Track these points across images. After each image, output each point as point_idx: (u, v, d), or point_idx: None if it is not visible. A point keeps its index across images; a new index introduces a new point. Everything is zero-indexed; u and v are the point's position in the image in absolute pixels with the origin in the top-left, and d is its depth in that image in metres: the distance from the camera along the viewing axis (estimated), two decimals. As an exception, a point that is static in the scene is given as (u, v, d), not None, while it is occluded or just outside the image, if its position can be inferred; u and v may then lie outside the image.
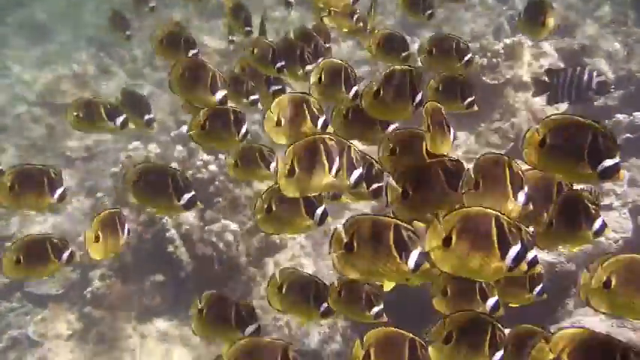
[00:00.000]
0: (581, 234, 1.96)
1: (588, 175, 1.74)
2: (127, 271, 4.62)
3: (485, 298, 1.99)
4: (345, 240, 1.76)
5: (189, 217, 4.48)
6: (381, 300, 2.14)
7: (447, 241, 1.69)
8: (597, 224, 1.95)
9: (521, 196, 1.81)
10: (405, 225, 1.76)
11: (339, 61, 2.24)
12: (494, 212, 1.69)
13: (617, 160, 1.71)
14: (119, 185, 4.90)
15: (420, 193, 1.96)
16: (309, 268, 4.38)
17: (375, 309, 2.14)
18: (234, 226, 4.48)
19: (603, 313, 1.78)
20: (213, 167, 4.63)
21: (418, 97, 2.13)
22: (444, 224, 1.70)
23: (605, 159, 1.71)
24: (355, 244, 1.75)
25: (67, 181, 5.64)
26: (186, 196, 2.19)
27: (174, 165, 4.68)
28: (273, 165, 2.41)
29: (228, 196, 4.60)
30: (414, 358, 1.75)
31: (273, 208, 2.09)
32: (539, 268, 1.92)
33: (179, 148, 4.75)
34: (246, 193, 4.64)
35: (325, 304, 2.20)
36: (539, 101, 5.19)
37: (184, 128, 4.79)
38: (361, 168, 2.05)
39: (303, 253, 4.46)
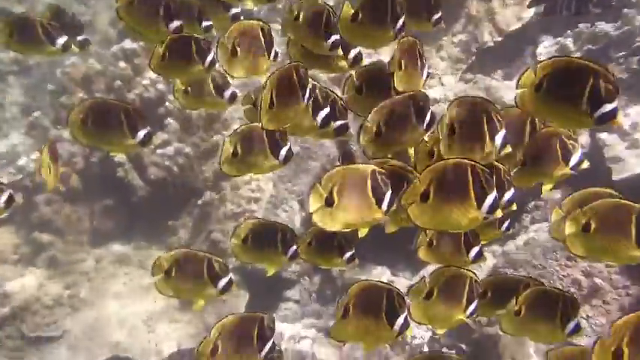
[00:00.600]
0: (559, 169, 1.95)
1: (585, 121, 1.66)
2: (75, 195, 4.41)
3: (469, 247, 1.99)
4: (325, 195, 1.71)
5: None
6: (352, 245, 2.13)
7: (424, 196, 1.68)
8: (575, 158, 1.95)
9: (499, 139, 1.78)
10: (379, 170, 1.74)
11: (322, 4, 2.04)
12: (469, 162, 1.68)
13: (615, 104, 1.62)
14: (56, 103, 4.55)
15: (392, 130, 1.91)
16: (267, 191, 4.30)
17: (347, 254, 2.13)
18: (187, 149, 4.28)
19: (579, 256, 1.79)
20: (161, 86, 4.32)
21: (399, 23, 1.97)
22: (421, 179, 1.69)
23: (603, 104, 1.61)
24: (335, 198, 1.71)
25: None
26: (142, 133, 2.03)
27: (118, 83, 4.36)
28: (226, 94, 2.30)
29: (179, 117, 4.35)
30: (393, 309, 1.78)
31: (239, 152, 2.00)
32: (514, 207, 1.91)
33: (122, 64, 4.38)
34: (198, 112, 4.39)
35: (293, 248, 2.15)
36: (501, 11, 5.02)
37: (127, 42, 4.39)
38: (328, 107, 1.98)
39: (262, 176, 4.33)
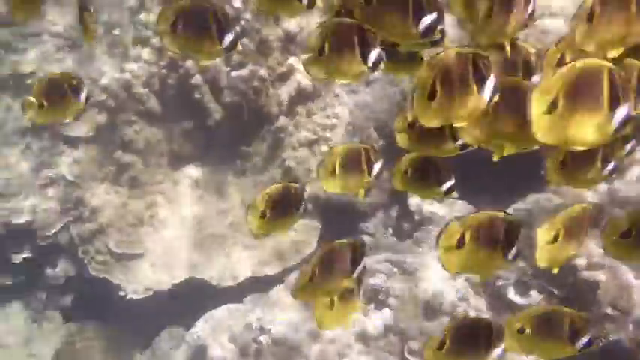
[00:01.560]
0: None
1: None
2: (153, 116, 4.43)
3: (605, 162, 1.76)
4: (427, 89, 1.52)
5: (215, 60, 4.10)
6: (452, 174, 1.96)
7: (553, 105, 1.41)
8: None
9: None
10: (482, 54, 1.53)
11: None
12: (605, 64, 1.39)
13: None
14: (136, 21, 4.47)
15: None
16: (343, 118, 4.08)
17: (447, 184, 1.95)
18: (263, 72, 4.11)
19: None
20: (237, 4, 4.10)
21: None
22: (550, 85, 1.41)
23: None
24: (438, 89, 1.53)
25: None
26: (229, 38, 1.82)
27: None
28: None
29: (256, 38, 4.15)
30: (510, 239, 1.68)
31: (326, 49, 1.70)
32: None
33: (197, -21, 4.18)
34: (276, 33, 4.16)
35: (378, 165, 1.98)
36: None
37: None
38: (436, 12, 1.63)
39: (337, 102, 4.11)
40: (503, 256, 1.67)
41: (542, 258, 1.78)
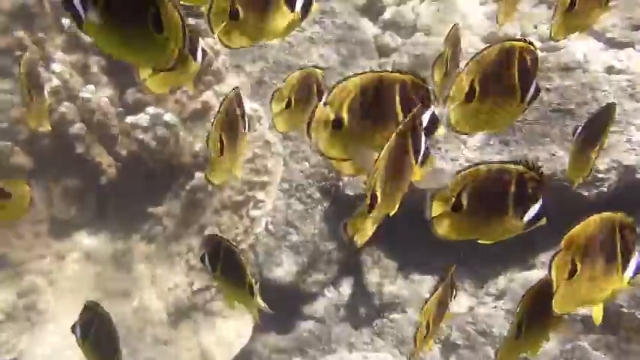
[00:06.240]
0: None
1: None
2: (21, 174, 3.34)
3: None
4: None
5: (103, 100, 3.08)
6: None
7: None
8: None
9: None
10: None
11: None
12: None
13: None
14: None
15: None
16: (277, 174, 3.20)
17: None
18: (169, 116, 3.13)
19: None
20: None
21: None
22: None
23: None
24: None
25: None
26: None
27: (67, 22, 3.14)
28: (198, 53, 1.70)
29: (156, 68, 3.16)
30: None
31: (241, 13, 1.42)
32: None
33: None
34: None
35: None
36: None
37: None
38: None
39: (269, 152, 3.22)
40: None
41: None
